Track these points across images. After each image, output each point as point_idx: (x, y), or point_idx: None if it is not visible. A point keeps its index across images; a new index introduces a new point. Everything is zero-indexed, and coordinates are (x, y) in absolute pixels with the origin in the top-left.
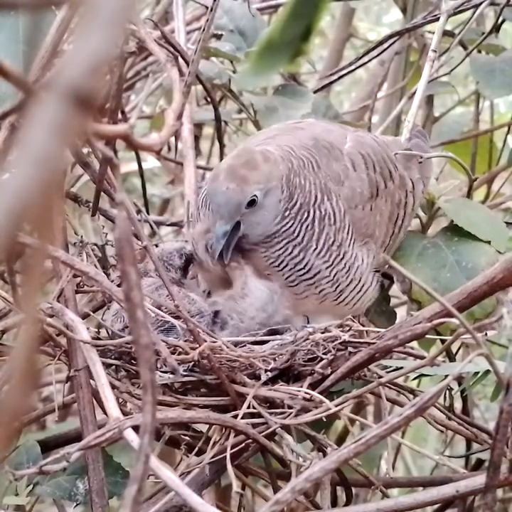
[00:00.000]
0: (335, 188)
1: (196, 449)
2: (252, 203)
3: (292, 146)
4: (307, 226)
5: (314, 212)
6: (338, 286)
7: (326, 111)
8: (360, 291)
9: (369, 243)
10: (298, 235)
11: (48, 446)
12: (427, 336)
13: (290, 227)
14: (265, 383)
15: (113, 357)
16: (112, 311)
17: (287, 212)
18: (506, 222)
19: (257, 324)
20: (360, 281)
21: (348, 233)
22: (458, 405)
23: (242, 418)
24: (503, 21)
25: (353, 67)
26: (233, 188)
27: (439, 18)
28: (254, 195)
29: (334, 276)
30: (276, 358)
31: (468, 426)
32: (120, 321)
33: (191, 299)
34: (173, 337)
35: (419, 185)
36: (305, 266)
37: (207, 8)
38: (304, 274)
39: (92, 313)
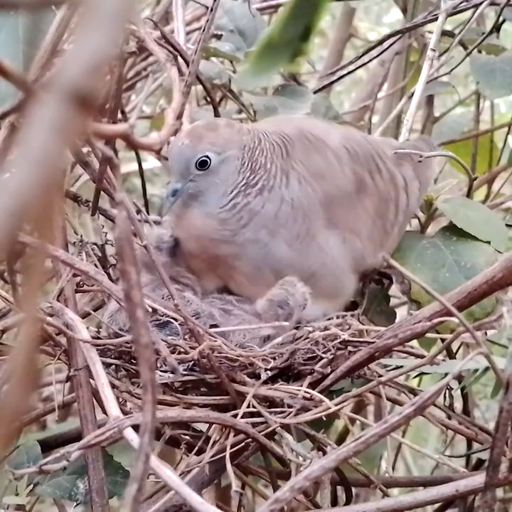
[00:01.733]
0: (309, 177)
1: (196, 448)
2: (203, 163)
3: (266, 131)
4: (277, 210)
5: (283, 198)
6: (308, 268)
7: (326, 111)
8: (333, 277)
9: (352, 238)
10: (265, 215)
11: (48, 445)
12: (427, 335)
13: (252, 205)
14: (265, 382)
15: (113, 356)
16: (106, 315)
17: (250, 188)
18: (508, 225)
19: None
20: (333, 264)
21: (318, 219)
22: (458, 405)
23: (241, 417)
24: (503, 21)
25: (353, 67)
26: (186, 144)
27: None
28: (206, 156)
29: (303, 258)
30: (276, 357)
31: (469, 425)
32: (115, 324)
33: (187, 301)
34: (168, 333)
35: (413, 182)
36: (269, 252)
37: (207, 8)
38: (269, 260)
39: (93, 312)
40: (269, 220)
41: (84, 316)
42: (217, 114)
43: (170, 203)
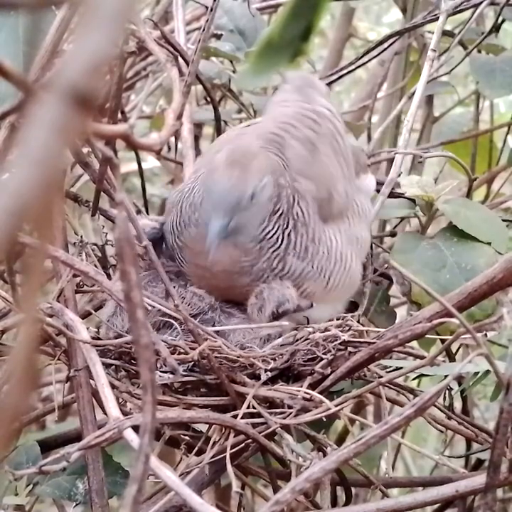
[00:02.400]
0: (293, 183)
1: (196, 448)
2: (253, 195)
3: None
4: (288, 234)
5: (293, 218)
6: (324, 274)
7: None
8: (345, 269)
9: (334, 189)
10: (280, 245)
11: (47, 446)
12: (427, 336)
13: (274, 235)
14: (265, 383)
15: (113, 357)
16: (105, 317)
17: (273, 215)
18: (504, 220)
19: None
20: (342, 260)
21: (315, 221)
22: (458, 405)
23: (241, 418)
24: (502, 21)
25: (352, 67)
26: (237, 177)
27: (438, 17)
28: (256, 187)
29: (317, 267)
30: (276, 358)
31: (468, 425)
32: (113, 329)
33: (199, 296)
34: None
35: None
36: (287, 272)
37: (207, 8)
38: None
39: (93, 312)
40: (281, 247)
41: (85, 316)
42: (217, 114)
43: (219, 241)
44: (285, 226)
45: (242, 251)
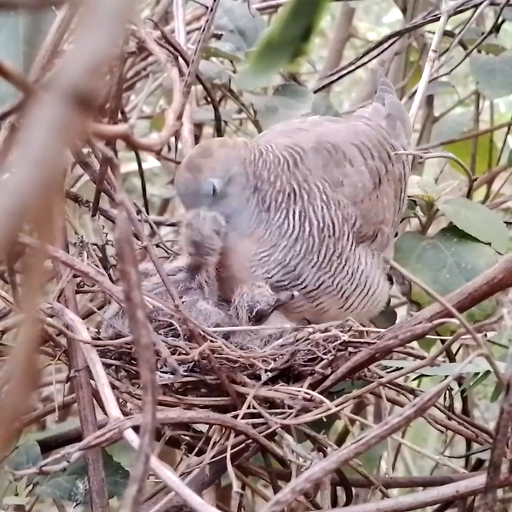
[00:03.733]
0: (333, 194)
1: (196, 449)
2: (210, 192)
3: (272, 144)
4: (308, 237)
5: (310, 223)
6: (343, 293)
7: (326, 111)
8: (367, 294)
9: (382, 227)
10: (291, 234)
11: (47, 446)
12: (427, 336)
13: (278, 222)
14: (265, 383)
15: (113, 357)
16: (107, 316)
17: (261, 205)
18: (506, 222)
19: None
20: (365, 285)
21: (348, 239)
22: (458, 405)
23: (242, 418)
24: (503, 21)
25: (353, 67)
26: (188, 178)
27: (439, 18)
28: (211, 184)
29: (338, 285)
30: (277, 358)
31: (469, 426)
32: (113, 330)
33: (205, 315)
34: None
35: (403, 140)
36: (302, 279)
37: (207, 8)
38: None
39: (96, 310)
40: (293, 240)
41: (85, 316)
42: (217, 114)
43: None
44: (297, 224)
45: (252, 240)
